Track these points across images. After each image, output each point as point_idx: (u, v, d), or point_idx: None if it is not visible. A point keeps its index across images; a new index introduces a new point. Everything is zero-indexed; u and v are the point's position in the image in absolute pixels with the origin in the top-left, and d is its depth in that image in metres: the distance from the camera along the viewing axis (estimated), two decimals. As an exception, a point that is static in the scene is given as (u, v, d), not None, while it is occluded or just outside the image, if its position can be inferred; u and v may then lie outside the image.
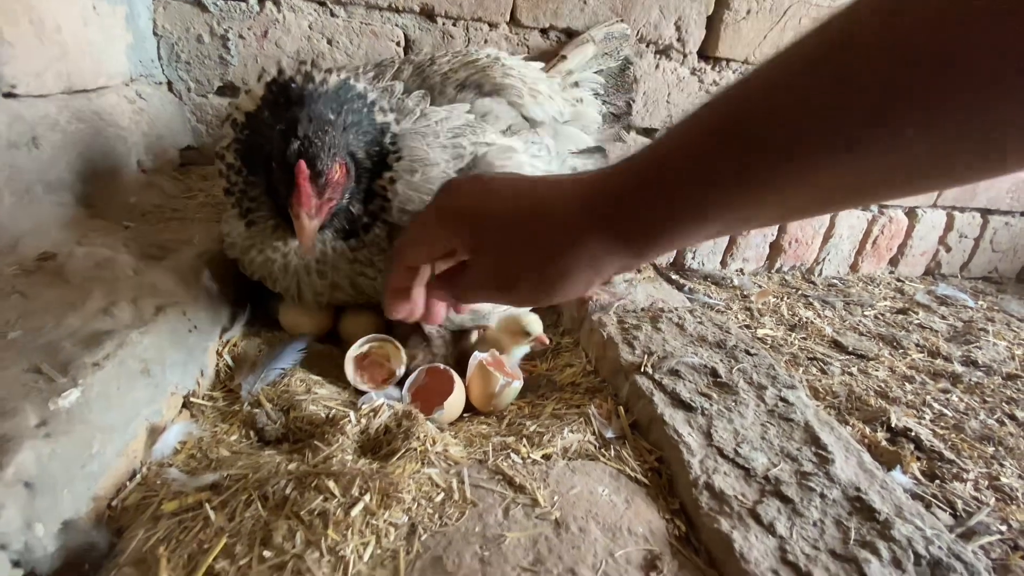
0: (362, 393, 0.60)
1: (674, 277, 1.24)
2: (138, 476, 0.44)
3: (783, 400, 0.57)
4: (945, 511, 0.62)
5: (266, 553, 0.35)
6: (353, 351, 0.63)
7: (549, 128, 0.80)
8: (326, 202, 0.54)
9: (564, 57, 0.92)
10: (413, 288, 0.43)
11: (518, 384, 0.63)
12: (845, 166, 0.26)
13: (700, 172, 0.30)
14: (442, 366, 0.63)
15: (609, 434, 0.54)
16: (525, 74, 0.78)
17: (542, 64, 0.90)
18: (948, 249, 1.45)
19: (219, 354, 0.63)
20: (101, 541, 0.38)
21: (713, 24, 1.06)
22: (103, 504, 0.41)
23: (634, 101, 1.06)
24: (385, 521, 0.38)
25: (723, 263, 1.32)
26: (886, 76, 0.24)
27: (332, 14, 0.93)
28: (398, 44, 0.97)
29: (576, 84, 0.92)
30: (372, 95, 0.59)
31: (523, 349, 0.71)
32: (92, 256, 0.58)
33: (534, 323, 0.70)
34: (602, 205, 0.33)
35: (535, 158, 0.71)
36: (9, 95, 0.61)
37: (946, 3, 0.22)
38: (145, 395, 0.48)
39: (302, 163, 0.51)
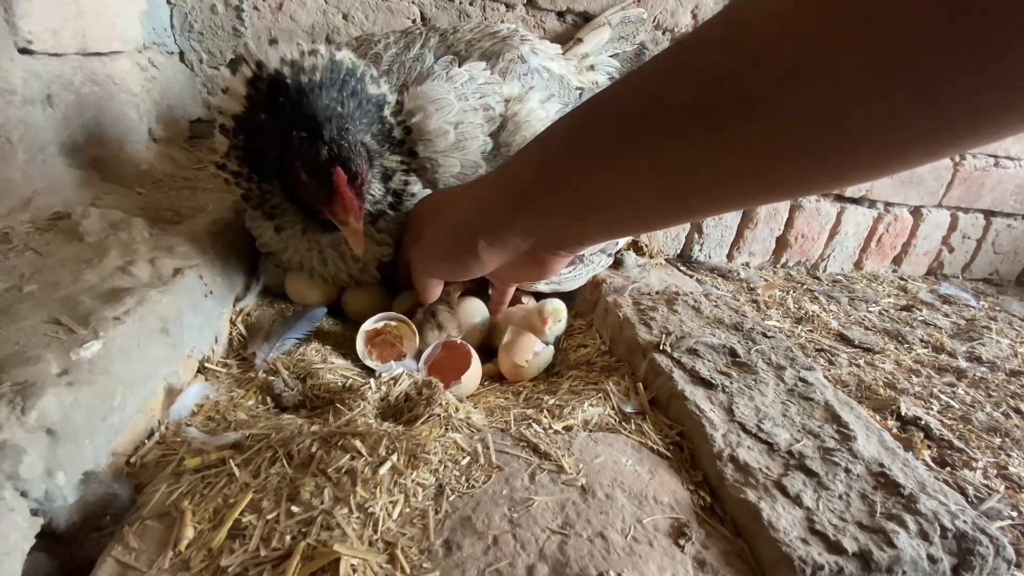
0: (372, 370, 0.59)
1: (681, 269, 1.24)
2: (156, 435, 0.43)
3: (802, 380, 0.57)
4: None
5: (294, 508, 0.34)
6: (367, 325, 0.63)
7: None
8: (362, 199, 0.53)
9: (580, 40, 0.92)
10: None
11: (551, 350, 0.64)
12: (671, 152, 0.27)
13: (560, 150, 0.33)
14: (459, 340, 0.63)
15: (628, 409, 0.53)
16: (539, 49, 0.77)
17: (559, 46, 0.89)
18: (951, 249, 1.46)
19: (232, 323, 0.62)
20: (123, 493, 0.37)
21: (730, 14, 1.06)
22: (122, 460, 0.41)
23: None
24: (413, 481, 0.37)
25: (729, 256, 1.32)
26: (710, 71, 0.25)
27: (349, -12, 0.92)
28: (413, 21, 0.96)
29: (592, 68, 0.92)
30: (360, 67, 0.57)
31: (556, 329, 0.71)
32: (107, 216, 0.57)
33: (561, 309, 0.70)
34: (486, 202, 0.39)
35: (537, 106, 0.70)
36: (25, 51, 0.59)
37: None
38: (163, 354, 0.47)
39: (340, 170, 0.49)
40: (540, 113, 0.67)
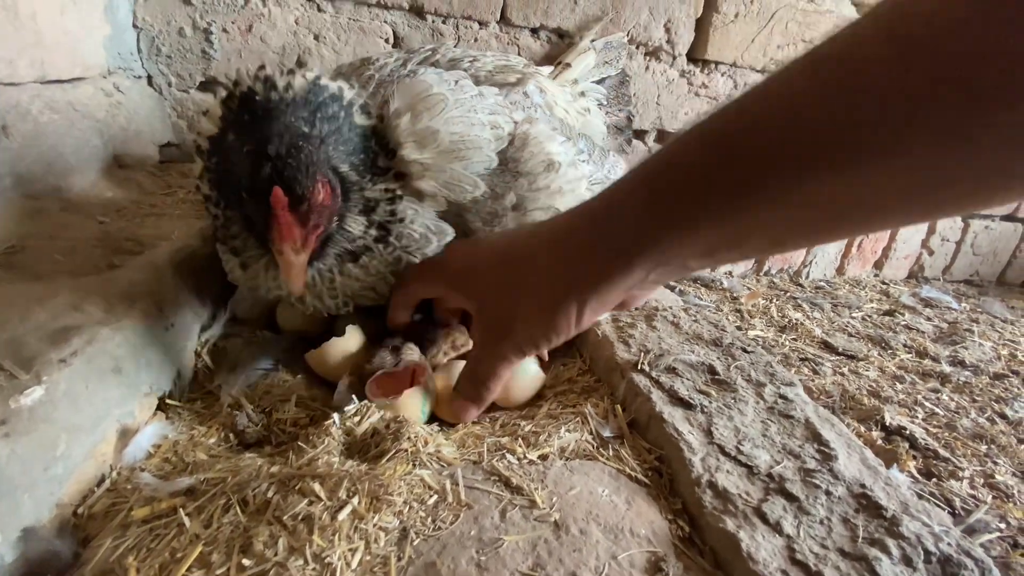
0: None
1: (665, 279, 1.23)
2: (107, 481, 0.41)
3: (782, 397, 0.56)
4: (944, 509, 0.61)
5: (245, 561, 0.32)
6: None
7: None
8: (312, 230, 0.47)
9: (568, 65, 0.92)
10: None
11: (538, 373, 0.62)
12: (838, 184, 0.25)
13: (690, 185, 0.29)
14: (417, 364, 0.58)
15: (607, 433, 0.52)
16: (548, 88, 0.77)
17: (549, 69, 0.89)
18: (931, 252, 1.47)
19: (198, 354, 0.60)
20: (65, 550, 0.35)
21: (702, 26, 1.07)
22: (68, 511, 0.38)
23: (634, 116, 1.06)
24: (375, 525, 0.36)
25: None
26: (887, 93, 0.23)
27: (319, 9, 0.92)
28: (387, 41, 0.96)
29: (582, 94, 0.92)
30: (348, 94, 0.52)
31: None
32: (63, 250, 0.55)
33: None
34: (582, 253, 0.34)
35: (547, 129, 0.67)
36: (-24, 81, 0.58)
37: (958, 20, 0.21)
38: (116, 395, 0.45)
39: (278, 190, 0.44)
40: (549, 133, 0.65)
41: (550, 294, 0.35)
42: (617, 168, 0.76)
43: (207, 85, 0.93)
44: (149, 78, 0.91)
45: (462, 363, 0.56)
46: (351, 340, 0.59)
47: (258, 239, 0.52)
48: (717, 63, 1.10)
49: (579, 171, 0.65)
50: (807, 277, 1.39)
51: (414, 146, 0.54)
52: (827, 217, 0.28)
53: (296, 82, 0.48)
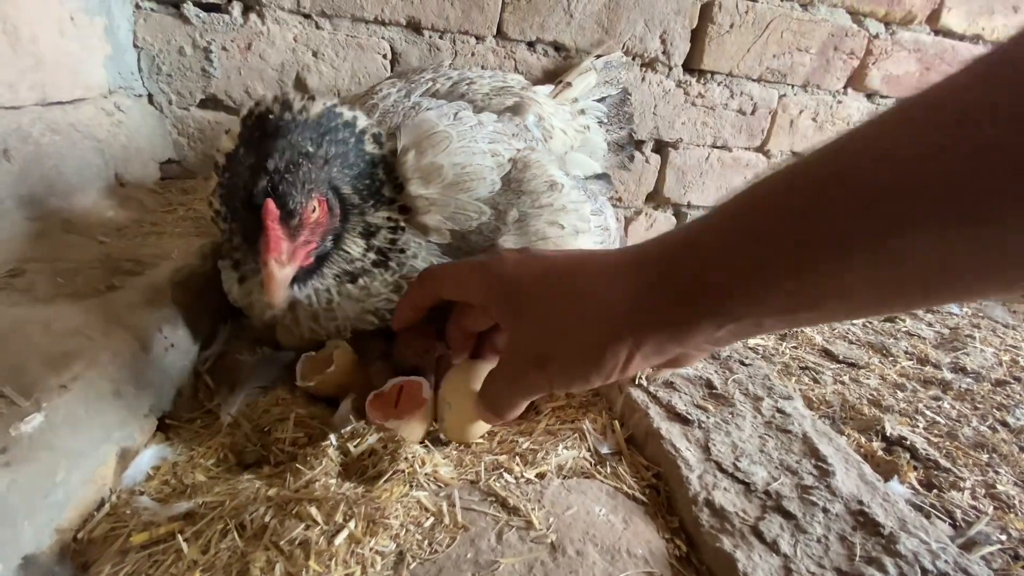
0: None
1: (664, 288, 1.23)
2: (107, 505, 0.41)
3: (780, 411, 0.56)
4: (944, 521, 0.61)
5: (243, 587, 0.33)
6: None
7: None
8: (302, 246, 0.48)
9: (569, 84, 0.93)
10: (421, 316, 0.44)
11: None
12: (942, 244, 0.22)
13: (775, 232, 0.26)
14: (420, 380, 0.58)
15: (605, 450, 0.52)
16: (546, 106, 0.77)
17: (550, 88, 0.90)
18: (932, 257, 1.47)
19: (198, 373, 0.60)
20: (64, 578, 0.35)
21: (698, 37, 1.07)
22: (68, 536, 0.39)
23: (635, 133, 1.07)
24: (371, 549, 0.36)
25: (712, 273, 1.32)
26: (1000, 151, 0.20)
27: (317, 27, 0.93)
28: (384, 57, 0.96)
29: (583, 112, 0.93)
30: (362, 123, 0.54)
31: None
32: (64, 272, 0.56)
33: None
34: (648, 292, 0.30)
35: (546, 157, 0.68)
36: (-22, 107, 0.58)
37: None
38: (116, 418, 0.45)
39: (270, 202, 0.45)
40: (549, 159, 0.66)
41: (603, 329, 0.31)
42: (606, 210, 0.75)
43: (207, 103, 0.94)
44: (150, 96, 0.92)
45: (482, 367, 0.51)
46: (332, 356, 0.57)
47: (252, 252, 0.51)
48: (713, 73, 1.11)
49: (581, 194, 0.66)
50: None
51: (420, 182, 0.57)
52: (921, 281, 0.25)
53: (312, 107, 0.51)
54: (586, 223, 0.63)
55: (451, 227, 0.58)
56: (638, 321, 0.31)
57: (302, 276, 0.53)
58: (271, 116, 0.49)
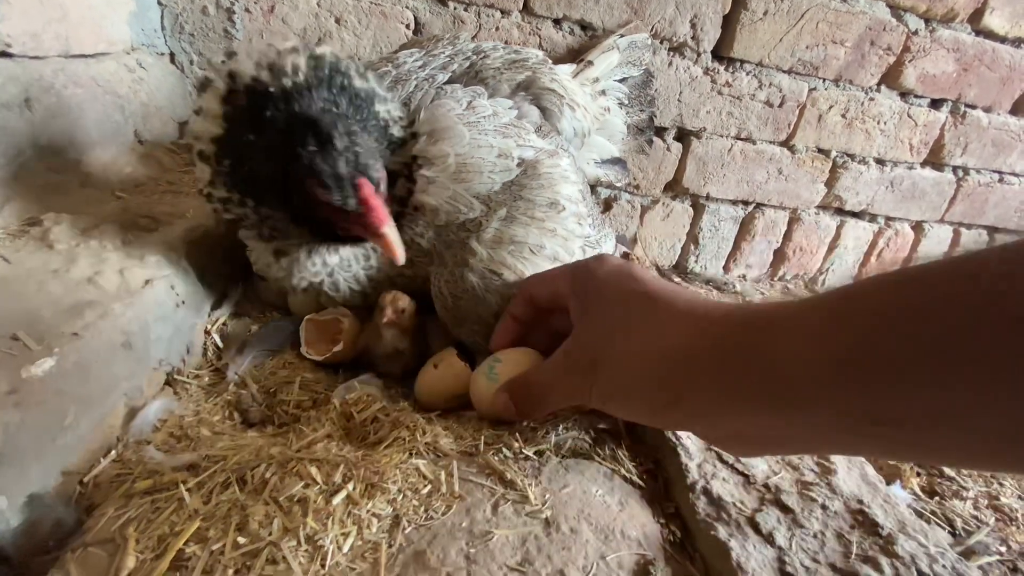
0: (349, 376, 0.57)
1: (676, 279, 1.22)
2: (113, 452, 0.42)
3: (785, 407, 0.55)
4: (944, 529, 0.60)
5: (240, 539, 0.33)
6: (312, 316, 0.60)
7: (576, 141, 0.78)
8: (387, 203, 0.49)
9: (591, 63, 0.90)
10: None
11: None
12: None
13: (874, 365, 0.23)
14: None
15: (601, 425, 0.52)
16: (567, 84, 0.75)
17: (571, 67, 0.88)
18: (953, 265, 1.43)
19: (207, 332, 0.61)
20: (68, 518, 0.36)
21: (729, 23, 1.04)
22: (74, 479, 0.40)
23: (656, 116, 1.04)
24: (368, 511, 0.36)
25: (726, 268, 1.31)
26: None
27: (341, -8, 0.91)
28: (407, 27, 0.95)
29: (603, 92, 0.90)
30: (343, 61, 0.51)
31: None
32: (79, 224, 0.56)
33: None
34: (710, 365, 0.29)
35: (569, 169, 0.66)
36: (3, 54, 0.58)
37: None
38: (126, 369, 0.46)
39: (364, 181, 0.45)
40: (564, 173, 0.63)
41: (661, 368, 0.31)
42: (609, 239, 0.72)
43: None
44: (171, 55, 0.92)
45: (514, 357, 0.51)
46: (334, 322, 0.61)
47: (313, 230, 0.53)
48: (743, 62, 1.08)
49: (577, 226, 0.63)
50: (823, 284, 1.37)
51: (421, 165, 0.57)
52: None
53: (300, 62, 0.47)
54: (569, 255, 0.60)
55: (447, 207, 0.58)
56: (704, 388, 0.30)
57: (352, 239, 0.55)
58: (268, 87, 0.46)
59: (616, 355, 0.34)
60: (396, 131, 0.56)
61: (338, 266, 0.59)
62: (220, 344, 0.61)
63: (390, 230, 0.47)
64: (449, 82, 0.65)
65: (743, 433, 0.31)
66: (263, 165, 0.48)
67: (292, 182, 0.48)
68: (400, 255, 0.48)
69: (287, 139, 0.46)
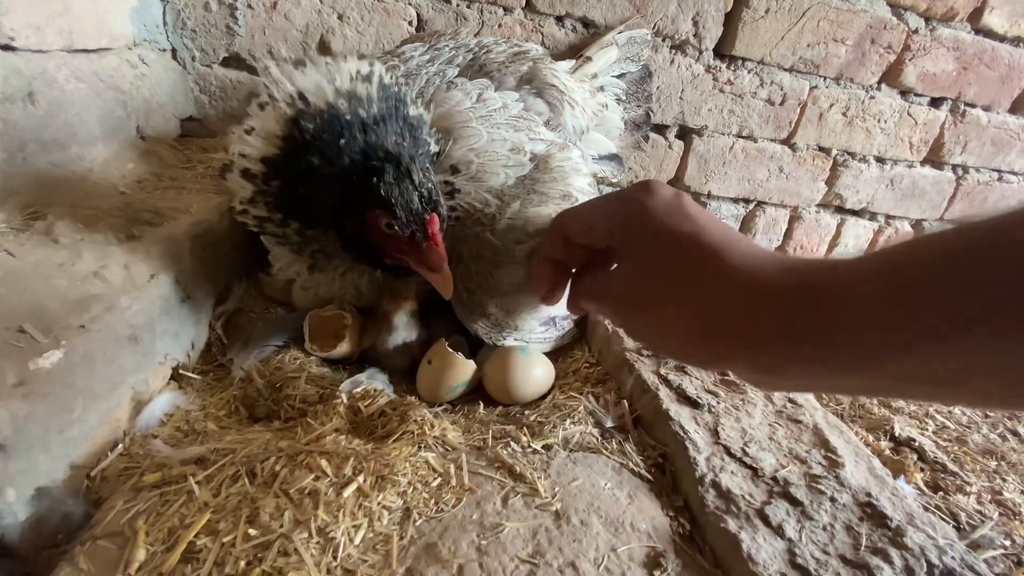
0: (353, 372, 0.57)
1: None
2: (120, 446, 0.42)
3: (791, 401, 0.56)
4: (948, 523, 0.61)
5: (251, 531, 0.33)
6: (315, 312, 0.61)
7: (574, 138, 0.78)
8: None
9: (589, 59, 0.90)
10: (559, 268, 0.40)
11: (546, 375, 0.60)
12: None
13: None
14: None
15: (609, 423, 0.52)
16: (566, 82, 0.76)
17: (569, 63, 0.88)
18: (952, 264, 1.44)
19: (212, 327, 0.61)
20: (77, 511, 0.36)
21: (731, 21, 1.04)
22: (82, 473, 0.39)
23: (653, 112, 1.04)
24: (379, 504, 0.36)
25: (727, 266, 1.31)
26: None
27: (344, -12, 0.91)
28: (410, 24, 0.95)
29: (601, 88, 0.90)
30: (402, 89, 0.53)
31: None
32: (84, 218, 0.56)
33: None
34: (774, 319, 0.27)
35: (580, 162, 0.67)
36: (7, 47, 0.58)
37: None
38: (132, 363, 0.46)
39: (435, 217, 0.46)
40: (576, 166, 0.64)
41: (716, 324, 0.30)
42: None
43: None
44: (173, 51, 0.92)
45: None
46: (336, 317, 0.61)
47: (360, 256, 0.53)
48: (744, 59, 1.08)
49: None
50: (822, 282, 1.37)
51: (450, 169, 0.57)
52: None
53: (372, 92, 0.48)
54: None
55: (465, 210, 0.58)
56: (750, 339, 0.29)
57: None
58: (346, 116, 0.46)
59: (672, 304, 0.32)
60: (433, 147, 0.56)
61: (367, 284, 0.60)
62: (225, 339, 0.60)
63: (447, 266, 0.48)
64: (457, 76, 0.65)
65: (781, 385, 0.31)
66: (322, 191, 0.47)
67: (351, 210, 0.48)
68: (450, 291, 0.49)
69: (360, 169, 0.46)
